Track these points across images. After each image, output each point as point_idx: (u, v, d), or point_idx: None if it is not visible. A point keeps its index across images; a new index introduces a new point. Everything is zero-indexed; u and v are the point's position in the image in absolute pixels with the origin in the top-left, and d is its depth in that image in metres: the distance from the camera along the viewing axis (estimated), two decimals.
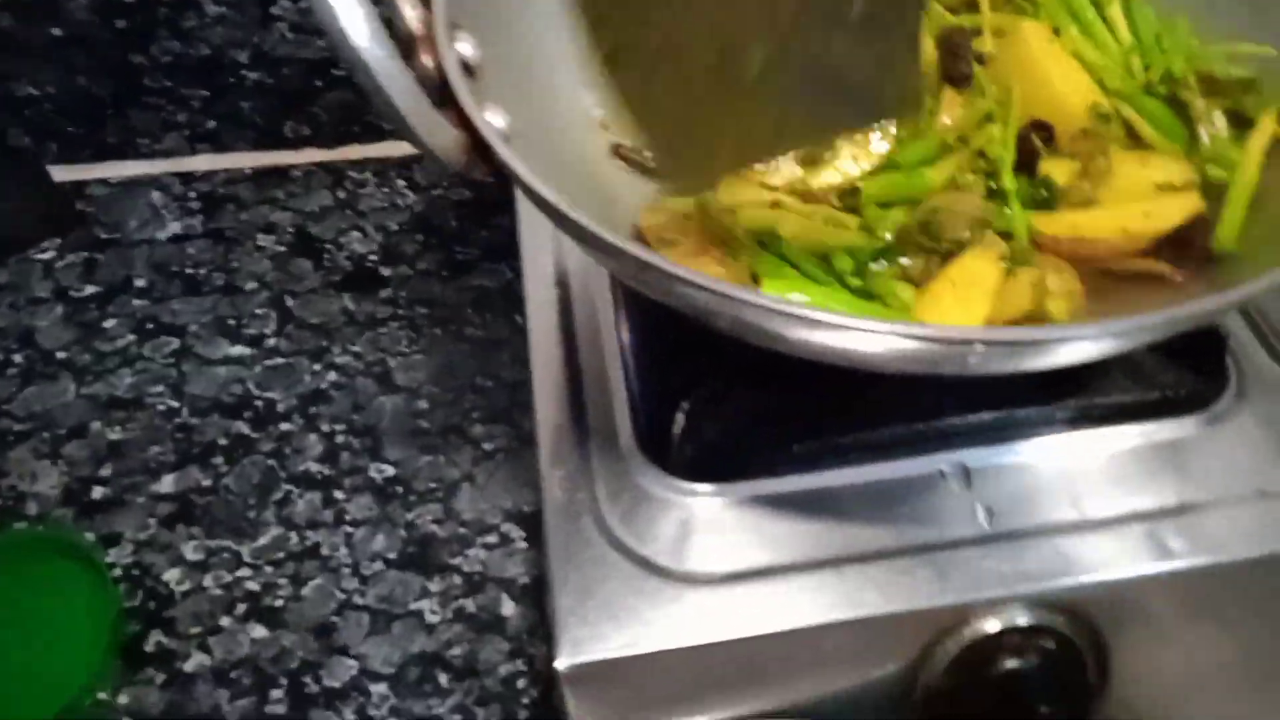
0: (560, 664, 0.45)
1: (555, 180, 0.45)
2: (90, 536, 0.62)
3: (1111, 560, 0.46)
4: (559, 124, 0.51)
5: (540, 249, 0.60)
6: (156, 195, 0.80)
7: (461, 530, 0.62)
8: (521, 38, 0.50)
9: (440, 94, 0.42)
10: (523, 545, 0.62)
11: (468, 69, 0.43)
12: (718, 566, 0.47)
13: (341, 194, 0.80)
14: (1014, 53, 0.53)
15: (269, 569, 0.61)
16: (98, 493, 0.65)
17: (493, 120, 0.42)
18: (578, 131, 0.53)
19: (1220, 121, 0.50)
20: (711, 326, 0.42)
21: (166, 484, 0.65)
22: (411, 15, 0.43)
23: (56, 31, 0.74)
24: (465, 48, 0.43)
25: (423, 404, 0.68)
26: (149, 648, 0.58)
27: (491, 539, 0.62)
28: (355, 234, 0.78)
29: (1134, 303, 0.47)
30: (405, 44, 0.43)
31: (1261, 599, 0.48)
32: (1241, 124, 0.51)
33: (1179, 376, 0.50)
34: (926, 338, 0.38)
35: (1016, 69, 0.53)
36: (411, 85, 0.37)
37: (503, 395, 0.68)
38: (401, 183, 0.81)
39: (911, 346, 0.38)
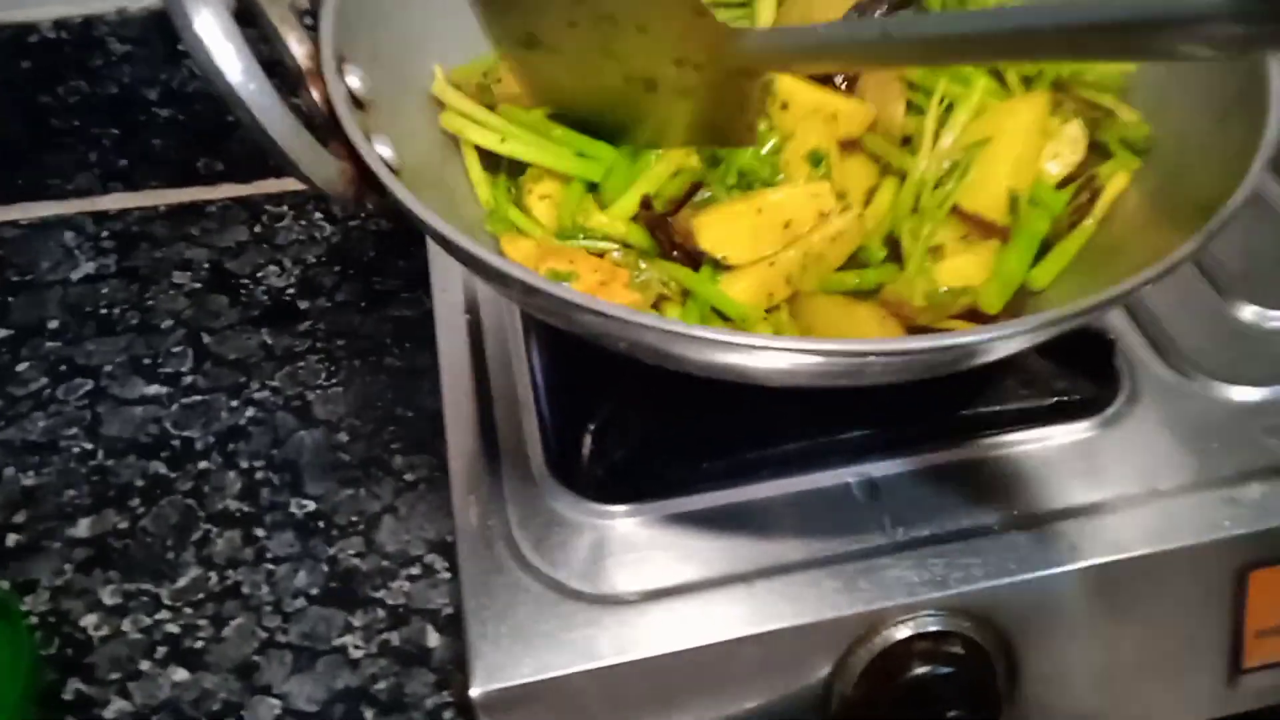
0: (475, 691, 0.45)
1: (444, 209, 0.45)
2: (5, 584, 0.61)
3: (1015, 563, 0.47)
4: (450, 153, 0.51)
5: (450, 277, 0.60)
6: (69, 235, 0.79)
7: (384, 563, 0.62)
8: (409, 67, 0.50)
9: (330, 127, 0.43)
10: (446, 575, 0.61)
11: (356, 101, 0.43)
12: (630, 586, 0.47)
13: (258, 228, 0.80)
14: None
15: (189, 610, 0.60)
16: (12, 540, 0.63)
17: (380, 149, 0.42)
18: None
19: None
20: (611, 349, 0.43)
21: (83, 528, 0.64)
22: (299, 50, 0.43)
23: None
24: (353, 80, 0.44)
25: (343, 437, 0.68)
26: (67, 695, 0.57)
27: (415, 570, 0.62)
28: (272, 268, 0.77)
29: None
30: (293, 78, 0.43)
31: (1161, 592, 0.49)
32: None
33: (1073, 382, 0.52)
34: (819, 352, 0.39)
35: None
36: (288, 118, 0.37)
37: (424, 425, 0.68)
38: (319, 215, 0.81)
39: (803, 361, 0.39)
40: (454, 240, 0.39)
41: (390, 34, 0.49)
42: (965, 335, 0.40)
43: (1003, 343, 0.40)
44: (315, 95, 0.43)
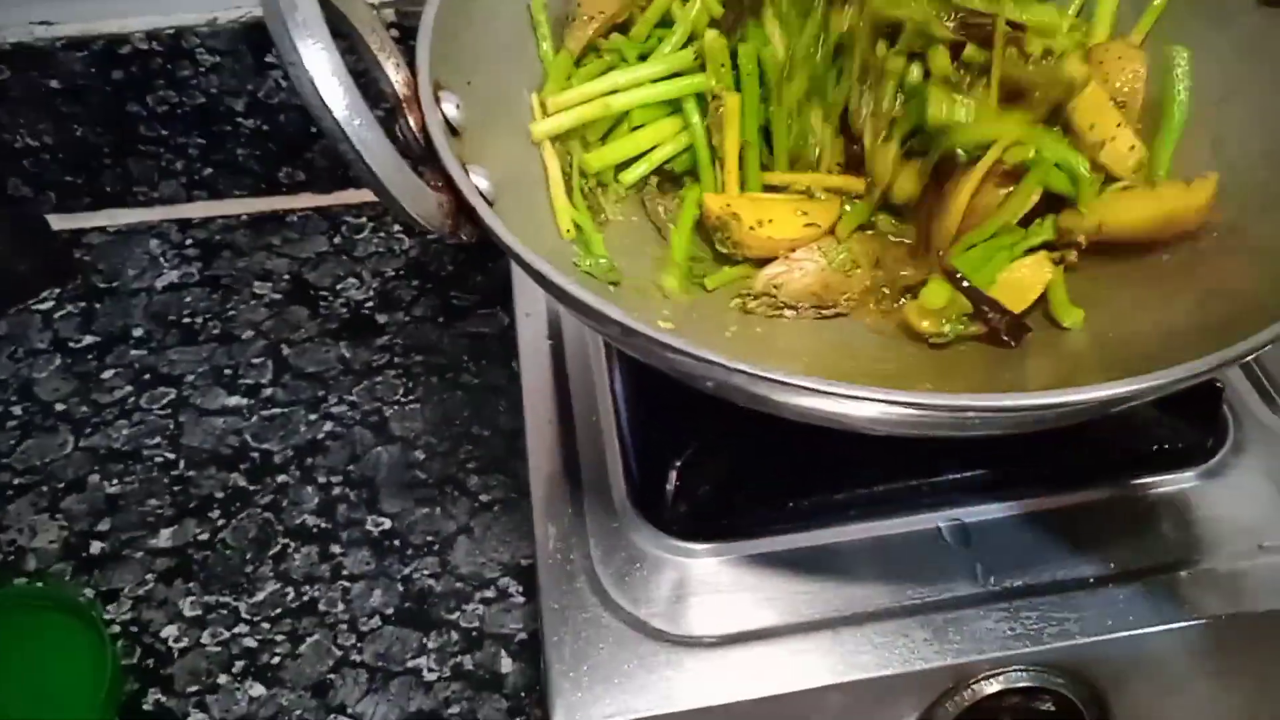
0: None
1: (540, 237, 0.45)
2: (89, 592, 0.62)
3: (1112, 619, 0.46)
4: (543, 178, 0.51)
5: (533, 299, 0.60)
6: (154, 243, 0.80)
7: (459, 585, 0.62)
8: (506, 95, 0.50)
9: (425, 154, 0.42)
10: (520, 600, 0.61)
11: (452, 129, 0.43)
12: (713, 629, 0.47)
13: (338, 240, 0.80)
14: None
15: (266, 625, 0.61)
16: (96, 547, 0.64)
17: (477, 180, 0.42)
18: None
19: None
20: (699, 389, 0.42)
21: (164, 538, 0.65)
22: (396, 78, 0.43)
23: (54, 84, 0.75)
24: (450, 108, 0.43)
25: (419, 454, 0.68)
26: (147, 706, 0.58)
27: (489, 593, 0.62)
28: (352, 280, 0.77)
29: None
30: (390, 105, 0.43)
31: (1263, 654, 0.47)
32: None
33: (1176, 429, 0.50)
34: (917, 405, 0.38)
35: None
36: (391, 153, 0.37)
37: (499, 444, 0.68)
38: (397, 228, 0.81)
39: (901, 414, 0.38)
40: (547, 274, 0.39)
41: (484, 60, 0.49)
42: (1071, 394, 0.39)
43: (1107, 403, 0.39)
44: (412, 123, 0.42)
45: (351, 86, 0.36)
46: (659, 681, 0.45)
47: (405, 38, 0.44)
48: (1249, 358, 0.37)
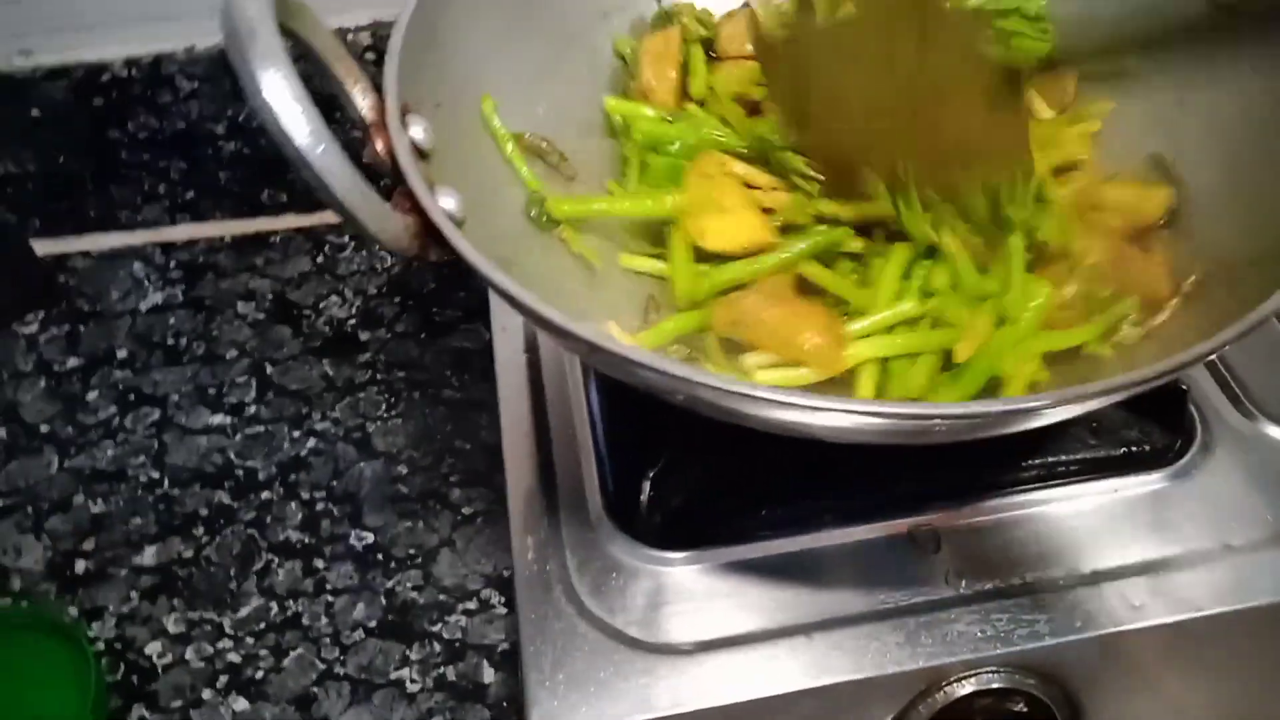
0: None
1: (508, 258, 0.45)
2: (73, 610, 0.63)
3: (1082, 620, 0.46)
4: (512, 200, 0.51)
5: (509, 314, 0.61)
6: (138, 265, 0.81)
7: (441, 597, 0.62)
8: (475, 116, 0.50)
9: (394, 178, 0.43)
10: (502, 610, 0.62)
11: (420, 152, 0.44)
12: (687, 636, 0.47)
13: (320, 259, 0.81)
14: None
15: (250, 640, 0.61)
16: (80, 566, 0.65)
17: (444, 203, 0.42)
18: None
19: None
20: (670, 402, 0.43)
21: (148, 556, 0.65)
22: (363, 103, 0.43)
23: (35, 113, 0.75)
24: (417, 131, 0.44)
25: (402, 469, 0.68)
26: None
27: (471, 605, 0.62)
28: (334, 299, 0.78)
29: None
30: (358, 130, 0.43)
31: (1231, 652, 0.48)
32: None
33: (1143, 431, 0.51)
34: (882, 414, 0.38)
35: None
36: (355, 179, 0.37)
37: (481, 458, 0.68)
38: (379, 247, 0.81)
39: (866, 423, 0.39)
40: (515, 295, 0.39)
41: (453, 80, 0.49)
42: (1031, 401, 0.39)
43: (1068, 407, 0.39)
44: (379, 147, 0.43)
45: (314, 114, 0.36)
46: (635, 689, 0.45)
47: (381, 60, 0.45)
48: (1201, 362, 0.37)
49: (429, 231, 0.41)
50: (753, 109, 0.56)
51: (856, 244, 0.51)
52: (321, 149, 0.35)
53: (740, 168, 0.52)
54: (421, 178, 0.42)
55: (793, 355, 0.47)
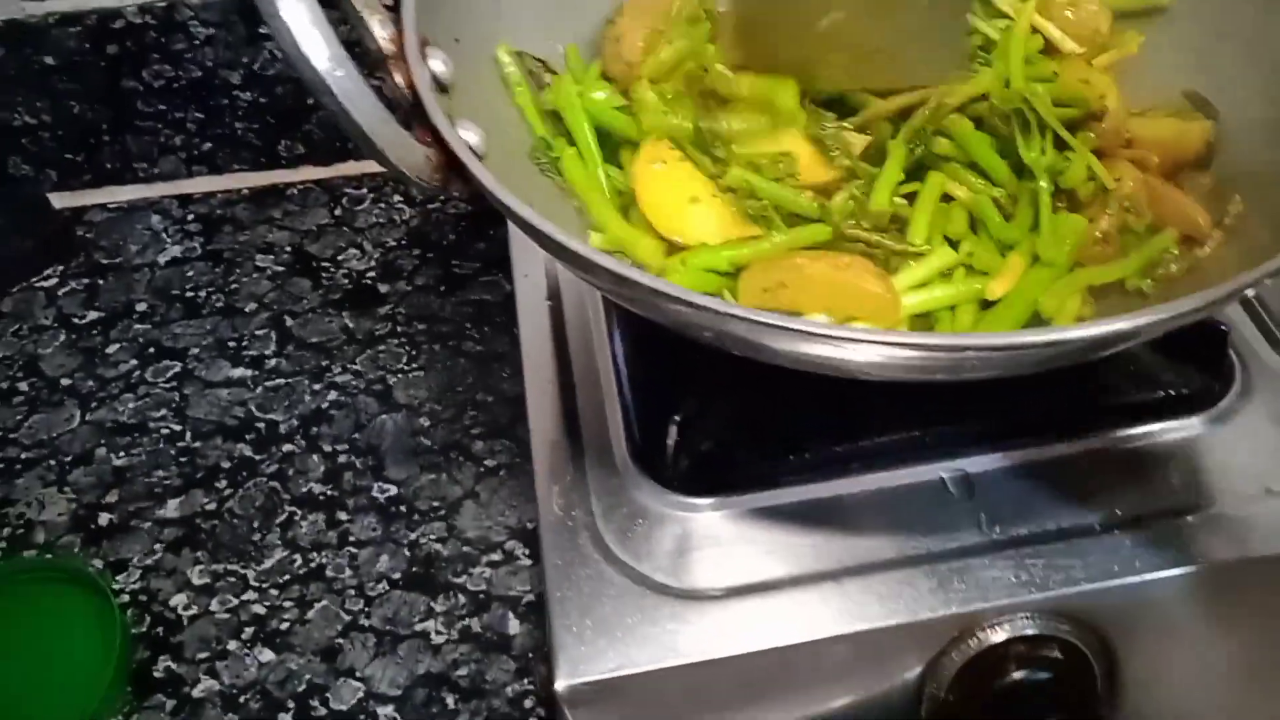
0: (559, 685, 0.44)
1: (531, 193, 0.44)
2: (98, 563, 0.62)
3: (1118, 565, 0.45)
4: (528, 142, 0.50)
5: (532, 261, 0.60)
6: (155, 218, 0.80)
7: (465, 549, 0.62)
8: (491, 48, 0.49)
9: (413, 112, 0.42)
10: (526, 562, 0.61)
11: (440, 85, 0.43)
12: (715, 582, 0.46)
13: (338, 211, 0.80)
14: None
15: (274, 592, 0.61)
16: (104, 519, 0.65)
17: (466, 135, 0.41)
18: None
19: None
20: (696, 339, 0.42)
21: (171, 509, 0.65)
22: (381, 34, 0.42)
23: (49, 60, 0.75)
24: (437, 64, 0.43)
25: (424, 421, 0.68)
26: (158, 673, 0.58)
27: (495, 556, 0.62)
28: (353, 251, 0.77)
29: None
30: (376, 63, 0.42)
31: (1270, 598, 0.47)
32: None
33: (1182, 374, 0.49)
34: (915, 345, 0.37)
35: None
36: (375, 105, 0.36)
37: (504, 409, 0.68)
38: (398, 198, 0.80)
39: (897, 354, 0.38)
40: (539, 227, 0.38)
41: (472, 15, 0.48)
42: (1066, 331, 0.38)
43: (1106, 340, 0.38)
44: (399, 79, 0.42)
45: (333, 38, 0.36)
46: (662, 635, 0.45)
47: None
48: (1242, 294, 0.36)
49: (451, 164, 0.40)
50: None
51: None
52: (342, 73, 0.34)
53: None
54: (442, 110, 0.41)
55: (847, 309, 0.45)
